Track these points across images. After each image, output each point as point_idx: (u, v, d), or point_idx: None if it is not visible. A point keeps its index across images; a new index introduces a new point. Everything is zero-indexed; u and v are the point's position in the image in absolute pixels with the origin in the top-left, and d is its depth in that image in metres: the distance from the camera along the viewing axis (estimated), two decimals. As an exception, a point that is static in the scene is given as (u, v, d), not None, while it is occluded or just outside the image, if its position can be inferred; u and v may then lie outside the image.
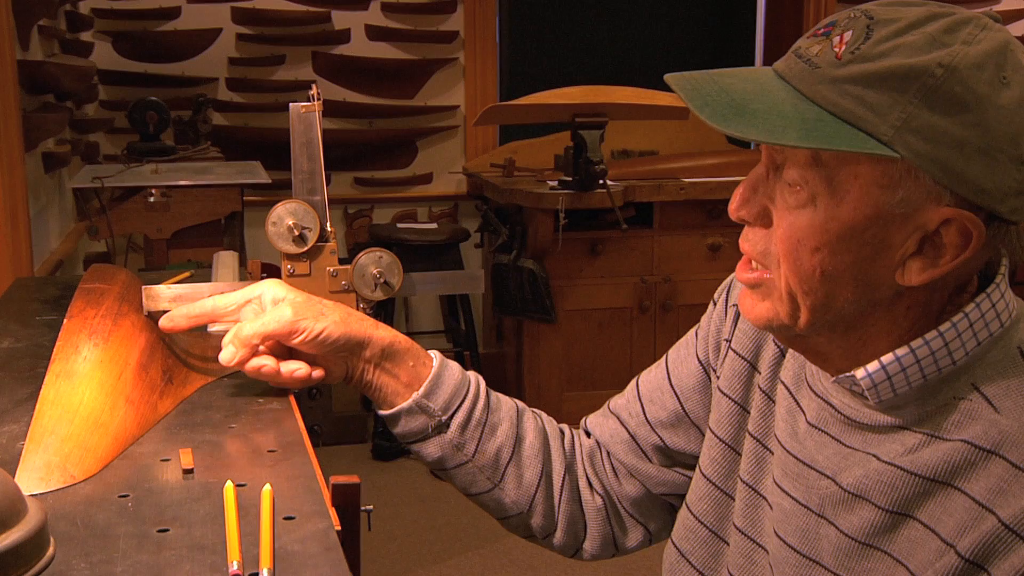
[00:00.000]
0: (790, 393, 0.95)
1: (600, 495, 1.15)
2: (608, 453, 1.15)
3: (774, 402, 0.97)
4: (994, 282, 0.83)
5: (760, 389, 0.99)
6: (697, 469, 1.05)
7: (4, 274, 2.24)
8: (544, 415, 1.19)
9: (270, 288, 1.07)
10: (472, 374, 1.13)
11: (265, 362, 1.03)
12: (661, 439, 1.10)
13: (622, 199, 3.68)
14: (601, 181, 3.63)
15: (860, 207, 0.79)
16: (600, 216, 3.78)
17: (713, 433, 1.03)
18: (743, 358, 1.01)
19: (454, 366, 1.11)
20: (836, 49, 0.79)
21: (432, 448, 1.10)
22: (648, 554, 1.19)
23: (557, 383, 3.92)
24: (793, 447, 0.92)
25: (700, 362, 1.09)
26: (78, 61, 3.60)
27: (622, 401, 1.16)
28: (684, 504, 1.06)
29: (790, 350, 0.97)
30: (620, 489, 1.14)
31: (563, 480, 1.14)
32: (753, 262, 0.87)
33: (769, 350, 0.99)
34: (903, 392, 0.83)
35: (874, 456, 0.84)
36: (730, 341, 1.03)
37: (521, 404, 1.17)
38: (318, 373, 1.05)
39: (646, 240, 3.91)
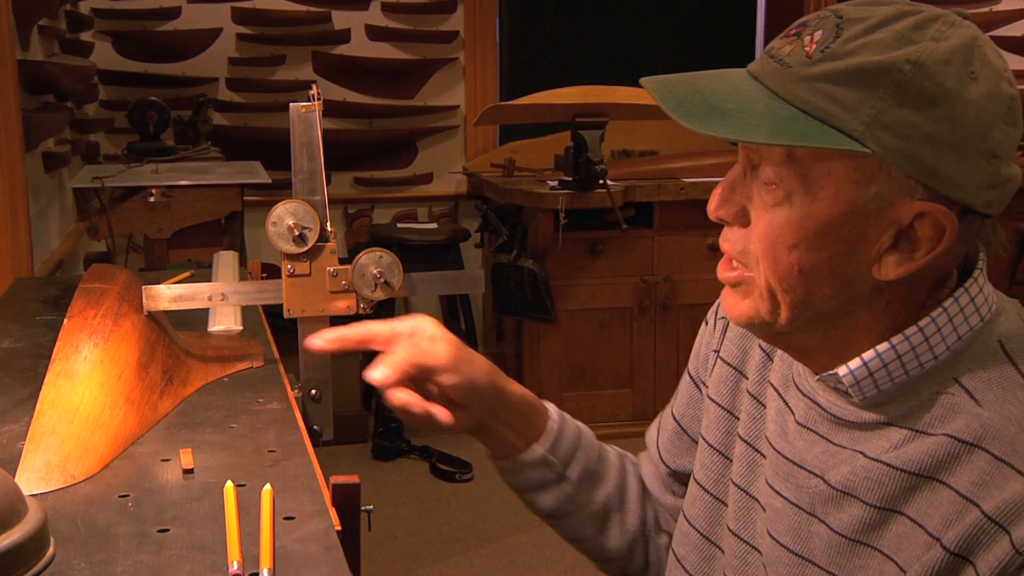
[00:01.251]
0: (779, 394, 0.95)
1: (665, 532, 1.16)
2: (652, 495, 1.16)
3: (764, 406, 0.98)
4: (972, 276, 0.84)
5: (749, 393, 1.00)
6: (691, 476, 1.06)
7: (4, 274, 2.24)
8: (630, 456, 1.19)
9: (428, 324, 1.04)
10: (581, 424, 1.14)
11: (414, 400, 1.00)
12: (668, 467, 1.12)
13: (622, 199, 3.68)
14: (601, 181, 3.63)
15: (835, 203, 0.80)
16: (600, 216, 3.77)
17: (704, 440, 1.04)
18: (730, 365, 1.02)
19: (569, 419, 1.13)
20: (807, 48, 0.80)
21: (549, 499, 1.10)
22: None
23: (557, 383, 3.92)
24: (783, 447, 0.92)
25: (692, 378, 1.10)
26: (78, 61, 3.60)
27: (651, 432, 1.18)
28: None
29: (777, 353, 0.97)
30: (671, 525, 1.14)
31: (655, 522, 1.16)
32: (734, 261, 0.88)
33: (755, 355, 1.00)
34: (886, 389, 0.83)
35: (861, 453, 0.84)
36: (718, 352, 1.05)
37: (619, 450, 1.18)
38: (458, 419, 1.04)
39: (646, 240, 3.91)
